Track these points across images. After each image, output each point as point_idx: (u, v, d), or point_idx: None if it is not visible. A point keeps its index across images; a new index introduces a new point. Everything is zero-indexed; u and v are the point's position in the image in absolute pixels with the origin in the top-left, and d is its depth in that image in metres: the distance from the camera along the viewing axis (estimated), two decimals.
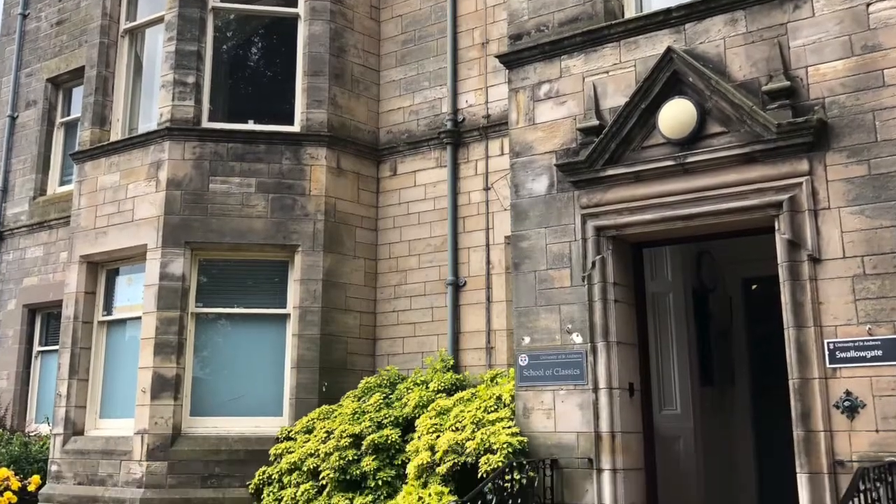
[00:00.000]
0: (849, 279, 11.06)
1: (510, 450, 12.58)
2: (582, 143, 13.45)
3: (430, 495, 12.66)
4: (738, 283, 17.63)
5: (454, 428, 13.49)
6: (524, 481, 12.28)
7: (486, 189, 17.37)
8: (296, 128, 18.46)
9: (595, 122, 13.32)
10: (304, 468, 15.02)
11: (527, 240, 13.84)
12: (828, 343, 11.07)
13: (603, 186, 13.17)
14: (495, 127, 17.44)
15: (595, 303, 13.04)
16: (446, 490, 12.77)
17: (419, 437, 13.95)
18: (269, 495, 15.32)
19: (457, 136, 17.98)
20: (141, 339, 17.15)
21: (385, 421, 14.98)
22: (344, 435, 14.77)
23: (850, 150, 11.30)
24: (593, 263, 13.10)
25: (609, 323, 12.98)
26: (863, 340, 10.85)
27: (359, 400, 16.04)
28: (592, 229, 13.21)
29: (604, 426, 12.66)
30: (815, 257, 11.28)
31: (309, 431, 15.80)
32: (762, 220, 11.97)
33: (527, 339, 13.62)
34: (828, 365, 11.04)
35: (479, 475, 12.46)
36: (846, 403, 10.83)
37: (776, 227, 11.70)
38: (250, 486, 15.80)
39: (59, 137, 25.40)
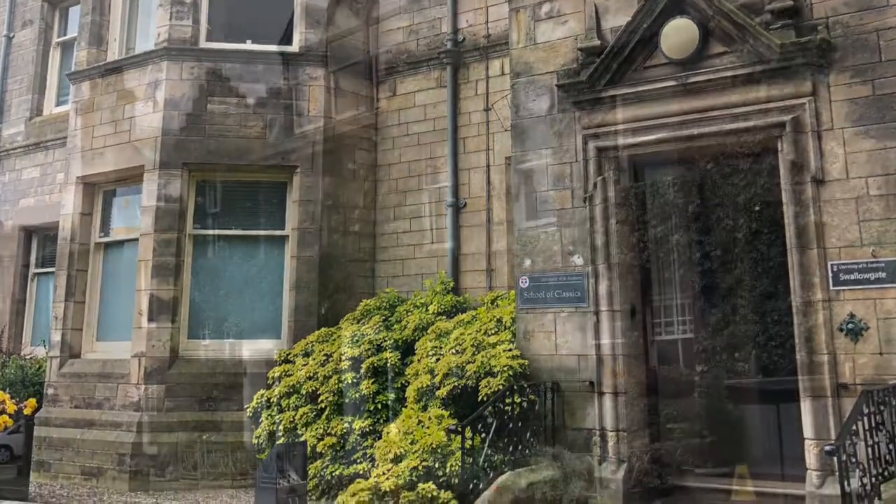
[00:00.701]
0: (853, 200, 10.97)
1: (511, 373, 12.57)
2: (583, 63, 13.31)
3: (429, 419, 12.62)
4: (741, 203, 17.49)
5: (454, 351, 13.44)
6: (525, 404, 12.28)
7: (487, 110, 17.20)
8: (294, 48, 18.23)
9: (597, 42, 13.18)
10: (303, 391, 15.00)
11: (528, 161, 13.71)
12: (831, 265, 11.02)
13: (605, 107, 13.03)
14: (496, 47, 17.23)
15: (596, 224, 12.95)
16: (446, 413, 12.75)
17: (419, 360, 13.92)
18: (267, 418, 15.31)
19: (457, 56, 17.77)
20: (138, 262, 17.06)
21: (384, 344, 14.92)
22: (343, 358, 14.75)
23: (854, 71, 11.18)
24: (595, 184, 13.00)
25: (610, 244, 12.91)
26: (867, 262, 10.80)
27: (358, 322, 15.96)
28: (594, 150, 13.11)
29: (605, 349, 12.64)
30: (819, 178, 11.20)
31: (308, 354, 15.77)
32: (765, 140, 11.88)
33: (528, 262, 13.53)
34: (831, 287, 11.01)
35: (480, 398, 12.45)
36: (850, 326, 10.79)
37: (779, 148, 11.61)
38: (248, 410, 15.81)
39: (55, 57, 25.12)
